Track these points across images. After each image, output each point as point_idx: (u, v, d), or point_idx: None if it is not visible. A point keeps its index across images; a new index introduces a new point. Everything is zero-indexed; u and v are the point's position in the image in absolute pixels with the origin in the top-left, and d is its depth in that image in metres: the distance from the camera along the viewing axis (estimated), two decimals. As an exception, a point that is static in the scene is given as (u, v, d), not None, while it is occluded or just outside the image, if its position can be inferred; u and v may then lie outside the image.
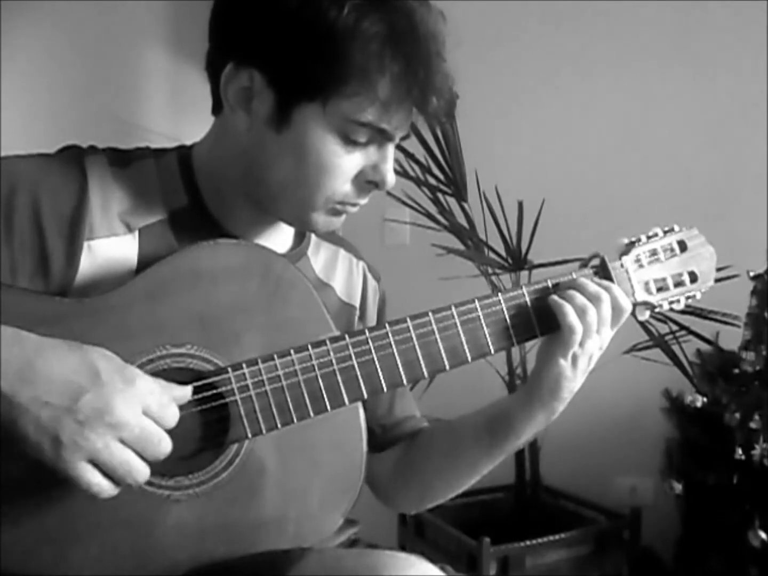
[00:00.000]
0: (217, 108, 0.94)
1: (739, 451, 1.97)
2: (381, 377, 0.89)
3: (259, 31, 0.86)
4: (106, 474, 0.75)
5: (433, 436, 1.10)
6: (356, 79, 0.84)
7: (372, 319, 1.11)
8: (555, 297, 0.94)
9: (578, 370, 0.95)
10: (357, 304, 1.09)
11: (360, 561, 0.83)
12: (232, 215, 0.96)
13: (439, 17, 0.88)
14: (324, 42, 0.83)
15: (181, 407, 0.82)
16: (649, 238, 1.01)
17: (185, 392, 0.82)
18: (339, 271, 1.08)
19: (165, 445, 0.78)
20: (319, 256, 1.07)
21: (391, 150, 0.92)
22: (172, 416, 0.79)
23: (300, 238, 1.05)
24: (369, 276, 1.12)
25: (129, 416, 0.75)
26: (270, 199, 0.93)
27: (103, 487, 0.75)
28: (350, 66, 0.83)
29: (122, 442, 0.75)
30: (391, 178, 0.92)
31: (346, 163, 0.89)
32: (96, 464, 0.75)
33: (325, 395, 0.87)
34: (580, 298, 0.93)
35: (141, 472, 0.77)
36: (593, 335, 0.94)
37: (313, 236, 1.07)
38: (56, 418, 0.73)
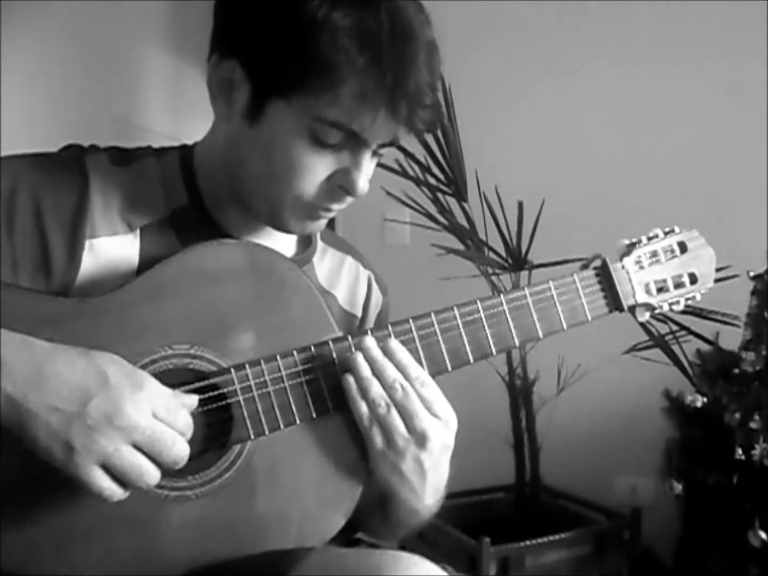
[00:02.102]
0: None
1: (739, 451, 1.96)
2: (383, 378, 0.89)
3: (238, 22, 0.86)
4: (117, 477, 0.75)
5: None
6: (322, 74, 0.81)
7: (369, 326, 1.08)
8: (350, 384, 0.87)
9: (398, 446, 0.86)
10: (359, 313, 1.08)
11: (363, 561, 0.83)
12: (227, 215, 0.96)
13: (424, 22, 0.85)
14: (294, 35, 0.82)
15: None
16: (649, 239, 1.01)
17: (192, 401, 0.82)
18: (343, 280, 1.06)
19: (180, 447, 0.78)
20: (324, 263, 1.05)
21: (366, 157, 0.88)
22: (183, 421, 0.79)
23: (306, 245, 1.04)
24: (374, 287, 1.10)
25: (139, 419, 0.75)
26: (246, 194, 0.93)
27: (115, 491, 0.76)
28: (316, 59, 0.81)
29: (134, 445, 0.75)
30: (362, 186, 0.88)
31: (314, 164, 0.87)
32: (107, 468, 0.75)
33: (327, 396, 0.88)
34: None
35: (152, 475, 0.77)
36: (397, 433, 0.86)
37: (319, 242, 1.06)
38: (66, 423, 0.73)
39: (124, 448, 0.75)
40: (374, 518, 0.99)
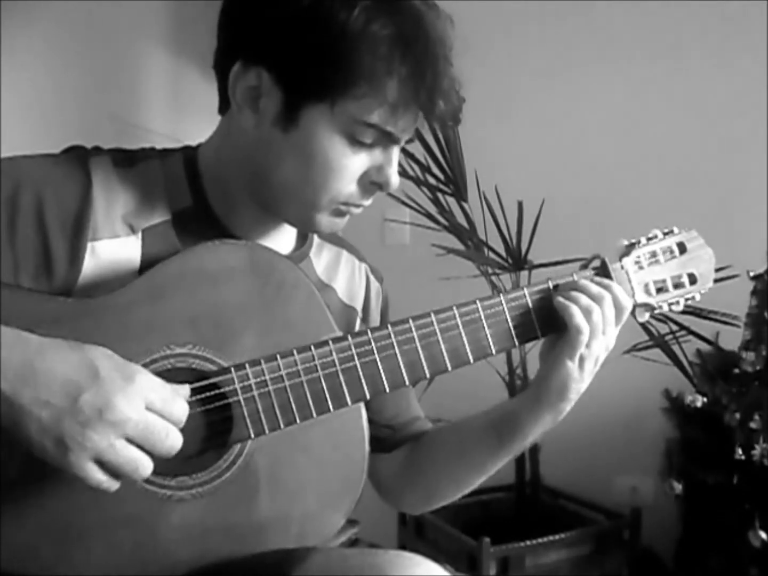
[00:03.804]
0: (223, 107, 0.94)
1: (739, 451, 1.97)
2: (383, 378, 0.89)
3: (269, 31, 0.86)
4: (111, 471, 0.75)
5: (439, 437, 1.10)
6: (365, 81, 0.84)
7: (375, 321, 1.11)
8: (560, 299, 0.94)
9: (585, 372, 0.95)
10: (359, 306, 1.09)
11: (365, 560, 0.83)
12: (236, 216, 0.96)
13: (447, 21, 0.89)
14: (333, 44, 0.83)
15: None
16: (648, 239, 1.02)
17: (184, 390, 0.82)
18: (341, 273, 1.08)
19: (174, 438, 0.78)
20: (322, 257, 1.06)
21: (396, 152, 0.92)
22: (179, 409, 0.79)
23: (303, 240, 1.05)
24: (372, 278, 1.12)
25: (131, 413, 0.75)
26: (274, 199, 0.93)
27: (111, 483, 0.76)
28: (359, 68, 0.83)
29: (127, 439, 0.75)
30: (395, 180, 0.92)
31: (351, 164, 0.89)
32: (101, 462, 0.74)
33: (327, 396, 0.88)
34: (584, 299, 0.93)
35: (147, 467, 0.77)
36: (599, 336, 0.94)
37: (315, 238, 1.07)
38: (58, 418, 0.73)
39: (118, 443, 0.74)
40: (404, 487, 1.10)
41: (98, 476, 0.74)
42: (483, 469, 1.05)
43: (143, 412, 0.76)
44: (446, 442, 1.09)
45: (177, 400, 0.79)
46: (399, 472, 1.10)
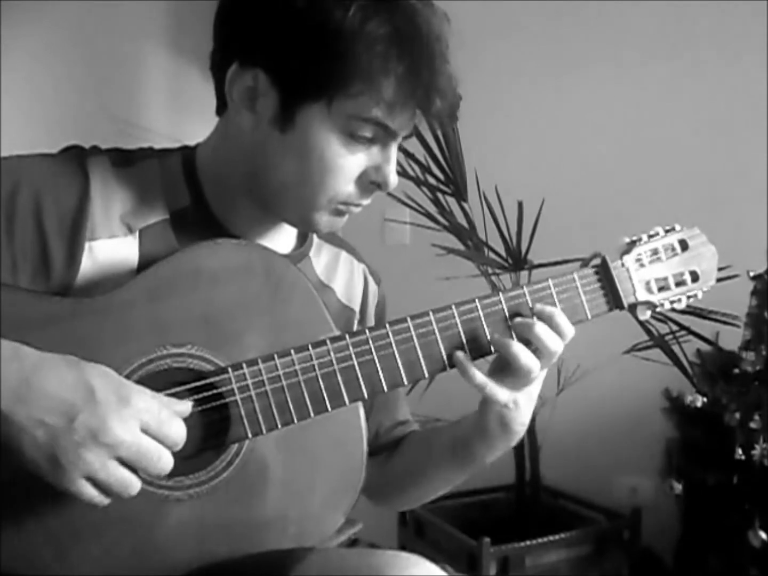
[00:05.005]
0: (221, 108, 0.94)
1: (739, 451, 1.96)
2: (381, 377, 0.89)
3: (264, 32, 0.86)
4: (102, 489, 0.76)
5: (410, 447, 1.11)
6: (361, 80, 0.84)
7: (371, 322, 1.11)
8: (497, 336, 0.92)
9: (521, 408, 0.94)
10: (357, 307, 1.09)
11: (363, 560, 0.83)
12: (235, 215, 0.96)
13: (443, 19, 0.89)
14: (329, 43, 0.84)
15: None
16: (650, 237, 1.01)
17: (185, 407, 0.82)
18: (340, 274, 1.08)
19: (165, 461, 0.78)
20: (321, 257, 1.07)
21: (394, 150, 0.92)
22: (176, 432, 0.79)
23: (302, 240, 1.05)
24: (370, 279, 1.12)
25: (125, 435, 0.75)
26: (273, 199, 0.93)
27: (103, 499, 0.76)
28: (355, 67, 0.84)
29: (119, 460, 0.75)
30: (393, 179, 0.92)
31: (349, 164, 0.89)
32: (92, 480, 0.75)
33: (325, 395, 0.87)
34: (535, 337, 0.92)
35: (136, 487, 0.77)
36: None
37: (315, 238, 1.07)
38: (52, 437, 0.73)
39: (110, 464, 0.75)
40: (381, 489, 1.08)
41: (90, 492, 0.75)
42: (447, 481, 1.08)
43: (137, 434, 0.76)
44: (414, 453, 1.10)
45: (174, 422, 0.79)
46: (378, 474, 1.09)
